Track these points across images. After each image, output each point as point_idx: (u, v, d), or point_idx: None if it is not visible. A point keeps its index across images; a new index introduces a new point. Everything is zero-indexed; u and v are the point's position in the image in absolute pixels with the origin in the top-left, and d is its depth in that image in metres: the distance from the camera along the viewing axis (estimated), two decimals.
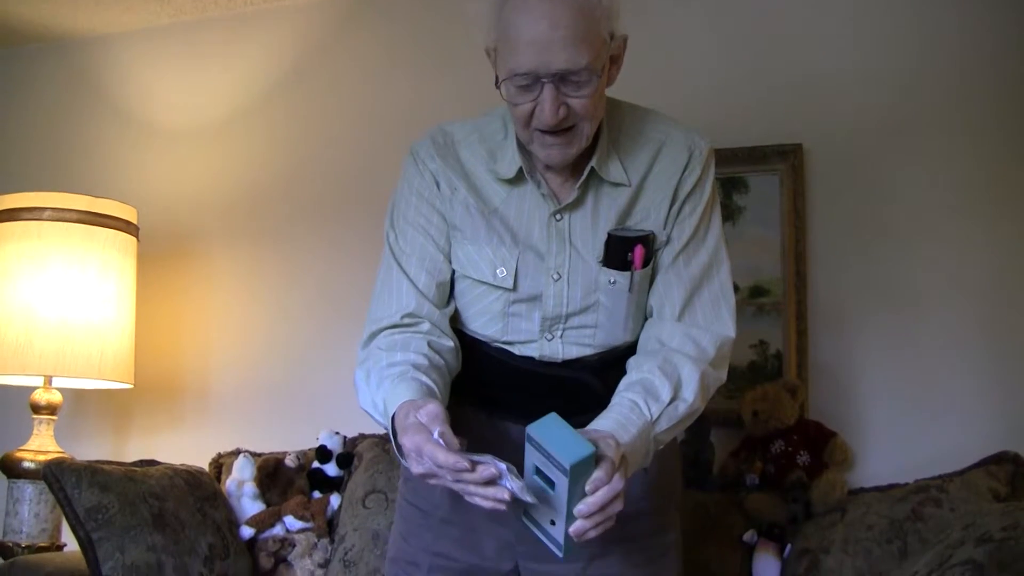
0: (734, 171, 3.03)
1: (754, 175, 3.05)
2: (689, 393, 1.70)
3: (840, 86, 3.05)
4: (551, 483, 1.45)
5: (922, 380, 2.84)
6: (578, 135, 1.70)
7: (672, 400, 1.67)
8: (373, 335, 1.80)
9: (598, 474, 1.43)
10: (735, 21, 3.21)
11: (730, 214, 3.03)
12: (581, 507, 1.44)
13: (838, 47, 3.08)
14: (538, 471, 1.47)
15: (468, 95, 3.38)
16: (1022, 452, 2.56)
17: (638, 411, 1.63)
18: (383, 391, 1.65)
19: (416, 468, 1.50)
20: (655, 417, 1.65)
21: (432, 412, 1.49)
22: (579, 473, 1.42)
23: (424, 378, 1.64)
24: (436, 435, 1.46)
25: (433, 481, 1.50)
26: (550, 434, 1.43)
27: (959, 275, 2.85)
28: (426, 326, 1.78)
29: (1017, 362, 2.77)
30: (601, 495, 1.43)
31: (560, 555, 1.51)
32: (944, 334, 2.84)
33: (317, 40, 3.80)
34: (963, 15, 2.96)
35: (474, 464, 1.43)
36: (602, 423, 1.60)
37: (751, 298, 2.99)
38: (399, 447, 1.55)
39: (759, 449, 2.78)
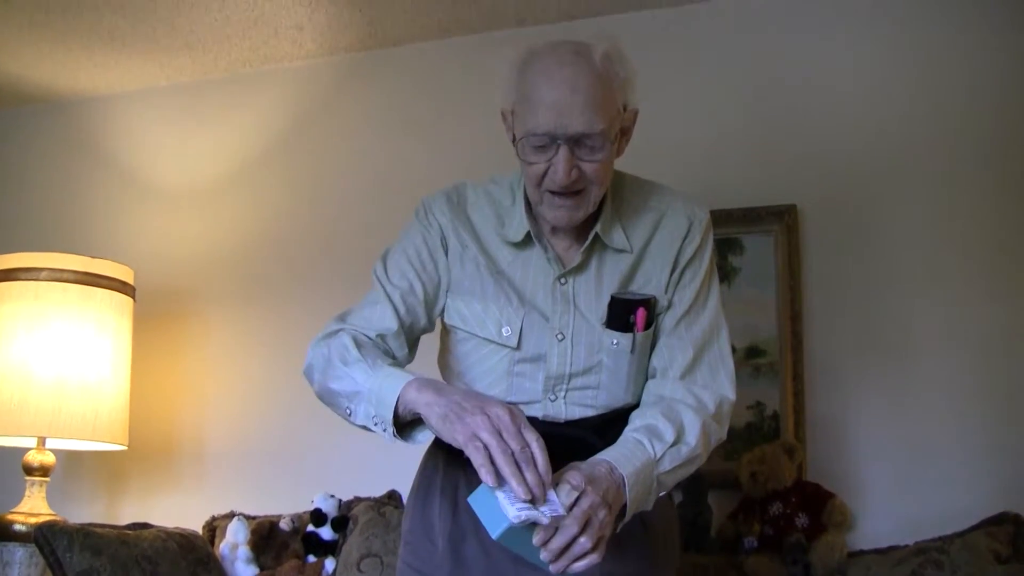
0: (729, 232, 3.05)
1: (749, 236, 3.07)
2: (692, 438, 1.73)
3: (833, 147, 3.08)
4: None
5: (921, 439, 2.83)
6: (586, 199, 1.75)
7: (675, 443, 1.71)
8: (345, 331, 1.83)
9: (539, 535, 1.48)
10: (729, 83, 3.25)
11: (725, 275, 3.03)
12: (543, 555, 1.48)
13: (832, 108, 3.11)
14: None
15: (462, 159, 3.45)
16: (1022, 512, 2.55)
17: (642, 448, 1.67)
18: (395, 373, 1.67)
19: (458, 427, 1.52)
20: (659, 455, 1.68)
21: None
22: (514, 537, 1.46)
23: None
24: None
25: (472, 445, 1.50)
26: (482, 504, 1.49)
27: (956, 333, 2.86)
28: (389, 350, 1.84)
29: (1017, 421, 2.76)
30: (553, 545, 1.48)
31: None
32: (942, 393, 2.84)
33: (313, 102, 3.83)
34: (957, 74, 2.99)
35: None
36: (604, 455, 1.64)
37: (747, 359, 2.98)
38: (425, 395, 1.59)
39: (757, 511, 2.76)
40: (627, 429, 1.74)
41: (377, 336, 1.83)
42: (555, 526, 1.47)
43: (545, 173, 1.72)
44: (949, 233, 2.92)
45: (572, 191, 1.73)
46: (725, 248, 3.05)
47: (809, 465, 2.89)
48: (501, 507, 1.45)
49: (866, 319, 2.95)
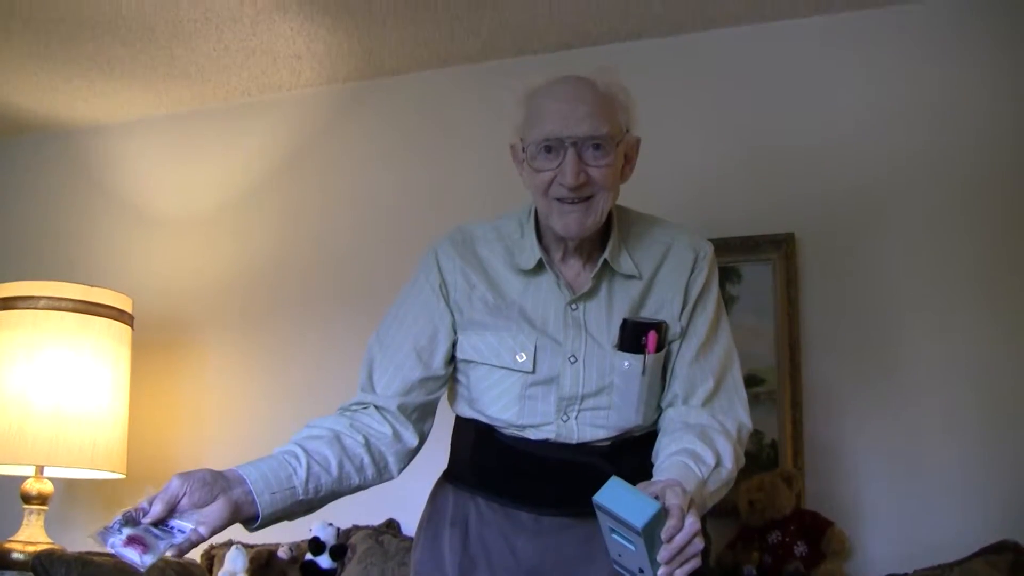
0: (727, 260, 3.03)
1: (747, 264, 3.07)
2: (728, 461, 1.79)
3: (832, 176, 3.09)
4: (629, 541, 1.52)
5: (920, 468, 2.83)
6: (595, 207, 1.81)
7: (716, 465, 1.76)
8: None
9: (671, 522, 1.49)
10: (728, 113, 3.26)
11: (723, 303, 3.03)
12: (663, 554, 1.49)
13: (830, 137, 3.12)
14: (614, 531, 1.53)
15: (460, 189, 3.46)
16: (1022, 541, 2.54)
17: (691, 471, 1.70)
18: None
19: None
20: (706, 477, 1.72)
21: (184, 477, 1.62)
22: (651, 529, 1.48)
23: (295, 448, 1.78)
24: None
25: None
26: (616, 500, 1.51)
27: (955, 362, 2.86)
28: (369, 409, 1.90)
29: (1016, 449, 2.76)
30: (678, 541, 1.49)
31: None
32: (941, 422, 2.84)
33: (311, 132, 3.84)
34: (956, 103, 3.01)
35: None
36: (668, 475, 1.67)
37: (746, 387, 2.96)
38: None
39: (756, 540, 2.76)
40: (665, 453, 1.77)
41: (354, 404, 1.92)
42: (678, 525, 1.49)
43: (553, 181, 1.79)
44: (946, 261, 2.92)
45: (581, 197, 1.79)
46: (723, 276, 3.00)
47: (808, 493, 2.89)
48: (635, 499, 1.49)
49: (864, 347, 2.95)
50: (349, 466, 1.82)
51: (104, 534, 1.53)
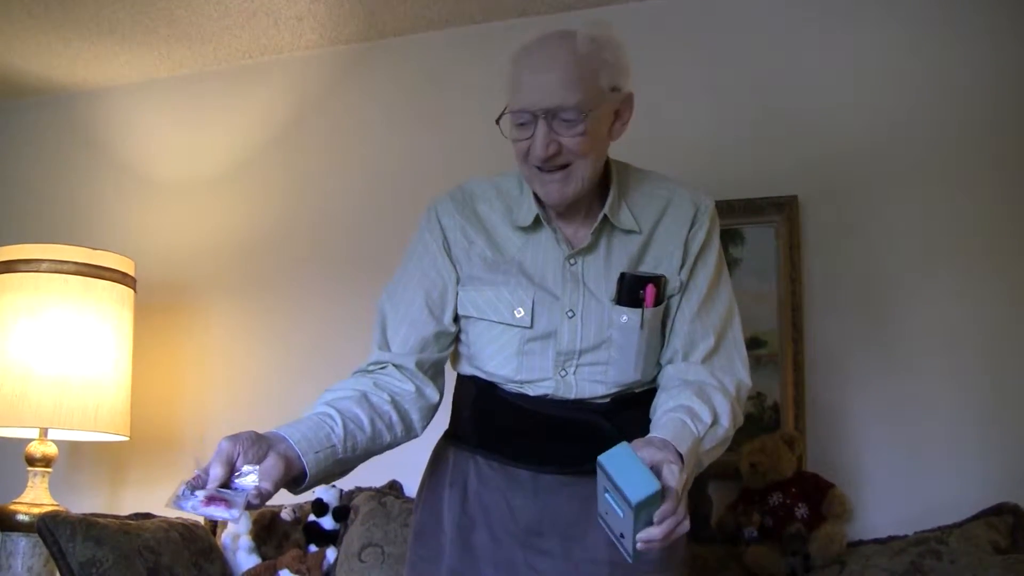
0: (730, 223, 3.03)
1: (750, 227, 3.07)
2: (725, 420, 1.79)
3: (835, 138, 3.07)
4: (620, 507, 1.51)
5: (921, 431, 2.84)
6: (574, 175, 1.81)
7: (713, 423, 1.76)
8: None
9: (665, 507, 1.50)
10: (730, 75, 3.25)
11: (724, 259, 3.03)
12: (647, 534, 1.50)
13: (833, 99, 3.11)
14: (608, 492, 1.53)
15: (463, 150, 3.45)
16: (1022, 503, 2.55)
17: (687, 428, 1.71)
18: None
19: None
20: (702, 435, 1.72)
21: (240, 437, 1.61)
22: (644, 506, 1.48)
23: (328, 409, 1.77)
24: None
25: None
26: (619, 467, 1.49)
27: (957, 325, 2.86)
28: (388, 368, 1.90)
29: (1017, 412, 2.76)
30: (666, 526, 1.50)
31: (629, 560, 1.58)
32: (943, 385, 2.84)
33: (315, 94, 3.83)
34: (959, 65, 2.99)
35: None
36: (661, 434, 1.67)
37: (748, 349, 2.93)
38: None
39: (757, 502, 2.77)
40: (663, 409, 1.78)
41: (371, 365, 1.92)
42: (671, 510, 1.50)
43: (529, 150, 1.80)
44: (949, 224, 2.92)
45: (557, 166, 1.80)
46: (726, 239, 3.02)
47: (809, 456, 2.89)
48: (638, 473, 1.48)
49: (866, 310, 2.95)
50: (380, 424, 1.82)
51: (179, 501, 1.52)
